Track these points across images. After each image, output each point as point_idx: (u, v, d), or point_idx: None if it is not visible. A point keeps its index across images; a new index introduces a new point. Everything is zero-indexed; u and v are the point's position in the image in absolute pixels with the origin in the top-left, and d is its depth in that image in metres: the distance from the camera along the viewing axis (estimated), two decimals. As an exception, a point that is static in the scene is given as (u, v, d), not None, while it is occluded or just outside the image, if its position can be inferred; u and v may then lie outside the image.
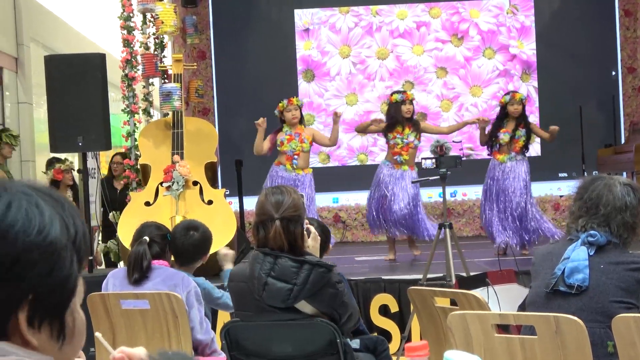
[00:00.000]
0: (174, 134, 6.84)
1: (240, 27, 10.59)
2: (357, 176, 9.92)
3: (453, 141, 6.67)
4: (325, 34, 10.66)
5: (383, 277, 6.03)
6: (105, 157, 9.07)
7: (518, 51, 10.62)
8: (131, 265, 3.65)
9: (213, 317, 4.46)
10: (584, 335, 2.46)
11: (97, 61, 6.59)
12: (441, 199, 5.93)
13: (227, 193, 7.22)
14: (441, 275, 5.54)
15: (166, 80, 7.40)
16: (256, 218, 3.02)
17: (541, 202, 10.10)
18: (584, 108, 9.65)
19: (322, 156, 10.53)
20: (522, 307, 3.02)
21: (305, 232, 3.03)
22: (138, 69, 7.35)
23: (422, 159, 5.72)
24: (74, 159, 8.67)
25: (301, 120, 7.26)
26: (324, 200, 10.11)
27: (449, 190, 9.76)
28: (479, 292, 3.35)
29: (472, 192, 10.04)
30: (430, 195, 10.09)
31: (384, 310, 5.83)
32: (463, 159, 5.89)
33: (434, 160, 5.55)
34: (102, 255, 7.72)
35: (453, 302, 3.37)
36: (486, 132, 7.35)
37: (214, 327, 3.96)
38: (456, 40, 10.63)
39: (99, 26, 11.93)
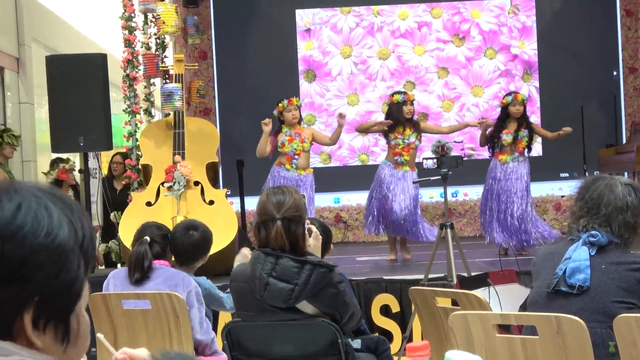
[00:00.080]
0: (175, 134, 6.84)
1: (242, 27, 10.59)
2: (359, 176, 9.91)
3: (454, 141, 6.68)
4: (327, 34, 10.66)
5: (384, 277, 6.03)
6: (106, 157, 9.07)
7: (519, 51, 10.62)
8: (132, 265, 3.65)
9: (214, 317, 4.45)
10: (585, 336, 2.46)
11: (99, 61, 6.60)
12: (442, 199, 5.93)
13: (228, 193, 7.22)
14: (442, 275, 5.53)
15: (167, 81, 7.41)
16: (257, 218, 3.02)
17: (542, 202, 10.11)
18: (585, 108, 9.65)
19: (323, 156, 10.53)
20: (524, 307, 3.02)
21: (306, 232, 3.03)
22: (139, 69, 7.35)
23: (423, 159, 5.72)
24: (75, 159, 8.67)
25: (300, 120, 7.27)
26: (325, 201, 10.11)
27: (450, 190, 9.76)
28: (480, 292, 3.35)
29: (474, 193, 10.03)
30: (432, 195, 10.09)
31: (385, 311, 5.83)
32: (464, 159, 5.89)
33: (435, 160, 5.54)
34: (102, 255, 7.72)
35: (454, 302, 3.37)
36: (487, 134, 7.36)
37: (215, 328, 3.96)
38: (457, 40, 10.62)
39: (100, 26, 11.93)
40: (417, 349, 1.70)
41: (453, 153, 5.76)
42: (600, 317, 2.67)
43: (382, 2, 10.64)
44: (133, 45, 7.37)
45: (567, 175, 10.23)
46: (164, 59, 7.72)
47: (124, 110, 7.41)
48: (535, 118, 9.67)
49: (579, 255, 2.76)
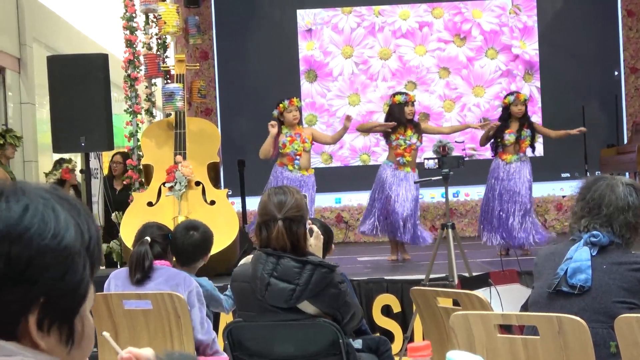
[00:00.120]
0: (177, 134, 6.84)
1: (243, 28, 10.59)
2: (360, 176, 9.91)
3: (455, 141, 6.67)
4: (328, 34, 10.66)
5: (385, 278, 6.03)
6: (107, 157, 9.07)
7: (520, 51, 10.61)
8: (133, 265, 3.65)
9: (215, 317, 4.45)
10: (586, 336, 2.46)
11: (100, 61, 6.60)
12: (443, 199, 5.93)
13: (229, 193, 7.22)
14: (444, 275, 5.53)
15: (169, 81, 7.41)
16: (259, 218, 3.03)
17: (544, 203, 10.11)
18: (586, 108, 9.64)
19: (324, 156, 10.53)
20: (525, 308, 3.02)
21: (307, 232, 3.03)
22: (140, 70, 7.36)
23: (424, 159, 5.71)
24: (76, 159, 8.67)
25: (300, 121, 7.27)
26: (327, 201, 10.11)
27: (452, 190, 9.75)
28: (481, 293, 3.35)
29: (475, 193, 10.03)
30: (433, 195, 10.09)
31: (386, 311, 5.83)
32: (465, 159, 5.89)
33: (436, 160, 5.54)
34: (103, 255, 7.72)
35: (455, 303, 3.37)
36: (490, 134, 7.37)
37: (216, 328, 3.96)
38: (459, 40, 10.62)
39: (101, 26, 11.93)
40: (418, 349, 1.70)
41: (454, 153, 5.75)
42: (601, 317, 2.67)
43: (383, 2, 10.64)
44: (134, 46, 7.37)
45: (568, 175, 10.23)
46: (165, 59, 7.72)
47: (125, 111, 7.41)
48: (536, 118, 9.67)
49: (580, 255, 2.76)
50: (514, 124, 7.31)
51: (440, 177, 5.53)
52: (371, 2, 10.65)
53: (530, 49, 10.62)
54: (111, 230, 7.54)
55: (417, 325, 5.12)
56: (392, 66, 10.61)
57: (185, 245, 3.80)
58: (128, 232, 6.00)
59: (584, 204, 2.85)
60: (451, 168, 5.51)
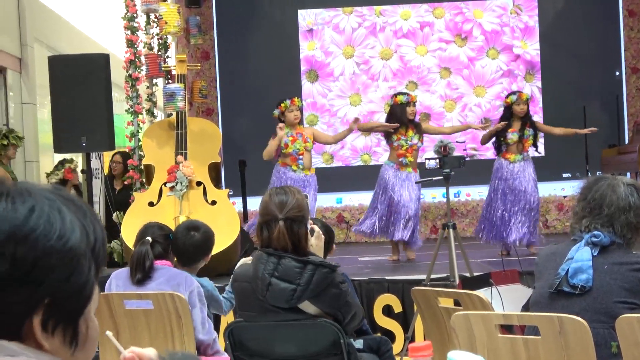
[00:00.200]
0: (178, 134, 6.84)
1: (244, 28, 10.59)
2: (361, 176, 9.91)
3: (457, 141, 6.67)
4: (329, 35, 10.66)
5: (386, 278, 6.03)
6: (108, 157, 9.08)
7: (522, 51, 10.61)
8: (134, 265, 3.65)
9: (216, 317, 4.45)
10: (587, 336, 2.45)
11: (101, 62, 6.61)
12: (445, 200, 5.93)
13: (230, 193, 7.22)
14: (445, 275, 5.53)
15: (170, 81, 7.41)
16: (260, 218, 3.03)
17: (545, 203, 10.10)
18: (587, 108, 9.64)
19: (325, 156, 10.53)
20: (526, 308, 3.02)
21: (308, 232, 3.03)
22: (142, 70, 7.36)
23: (425, 159, 5.71)
24: (77, 159, 8.68)
25: (300, 121, 7.27)
26: (328, 201, 10.11)
27: (453, 190, 9.75)
28: (482, 293, 3.35)
29: (476, 193, 10.03)
30: (434, 195, 10.09)
31: (387, 311, 5.83)
32: (467, 159, 5.89)
33: (437, 160, 5.54)
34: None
35: (457, 303, 3.37)
36: (493, 133, 7.38)
37: (217, 328, 3.96)
38: (460, 40, 10.62)
39: (102, 27, 11.93)
40: (420, 349, 1.70)
41: (455, 153, 5.75)
42: (602, 317, 2.67)
43: (384, 2, 10.64)
44: (135, 46, 7.38)
45: (569, 175, 10.22)
46: (167, 59, 7.73)
47: (126, 111, 7.42)
48: (537, 118, 9.65)
49: (581, 255, 2.76)
50: (516, 124, 7.32)
51: (442, 177, 5.53)
52: (372, 2, 10.65)
53: (532, 49, 10.62)
54: (112, 230, 7.55)
55: (418, 325, 5.12)
56: (393, 66, 10.61)
57: (186, 246, 3.80)
58: (129, 232, 6.01)
59: (585, 204, 2.85)
60: (452, 168, 5.51)
